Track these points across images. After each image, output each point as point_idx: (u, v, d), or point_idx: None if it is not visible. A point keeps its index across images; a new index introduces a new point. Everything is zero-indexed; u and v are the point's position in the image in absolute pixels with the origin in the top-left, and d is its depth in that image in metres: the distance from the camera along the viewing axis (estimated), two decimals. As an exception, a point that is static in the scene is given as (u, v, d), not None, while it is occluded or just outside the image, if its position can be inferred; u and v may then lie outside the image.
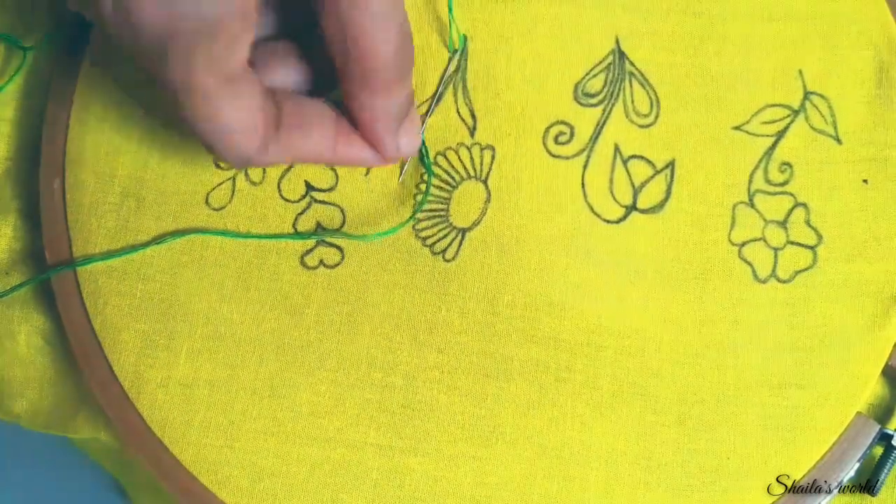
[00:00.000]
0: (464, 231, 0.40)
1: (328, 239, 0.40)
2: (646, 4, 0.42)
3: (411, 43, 0.34)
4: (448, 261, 0.40)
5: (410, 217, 0.40)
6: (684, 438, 0.38)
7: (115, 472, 0.51)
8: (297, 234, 0.40)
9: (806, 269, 0.40)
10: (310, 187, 0.41)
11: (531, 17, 0.41)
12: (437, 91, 0.41)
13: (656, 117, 0.41)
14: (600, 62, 0.41)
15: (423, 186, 0.40)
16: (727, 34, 0.42)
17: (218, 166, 0.41)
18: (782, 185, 0.40)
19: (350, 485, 0.38)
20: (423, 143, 0.40)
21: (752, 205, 0.40)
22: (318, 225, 0.40)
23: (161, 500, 0.48)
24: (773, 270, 0.40)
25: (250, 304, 0.39)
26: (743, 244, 0.40)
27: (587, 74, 0.41)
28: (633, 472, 0.38)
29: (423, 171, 0.40)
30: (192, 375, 0.39)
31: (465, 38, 0.41)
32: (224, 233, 0.40)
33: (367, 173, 0.41)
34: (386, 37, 0.33)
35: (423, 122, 0.40)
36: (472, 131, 0.41)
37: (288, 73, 0.36)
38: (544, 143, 0.41)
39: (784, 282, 0.40)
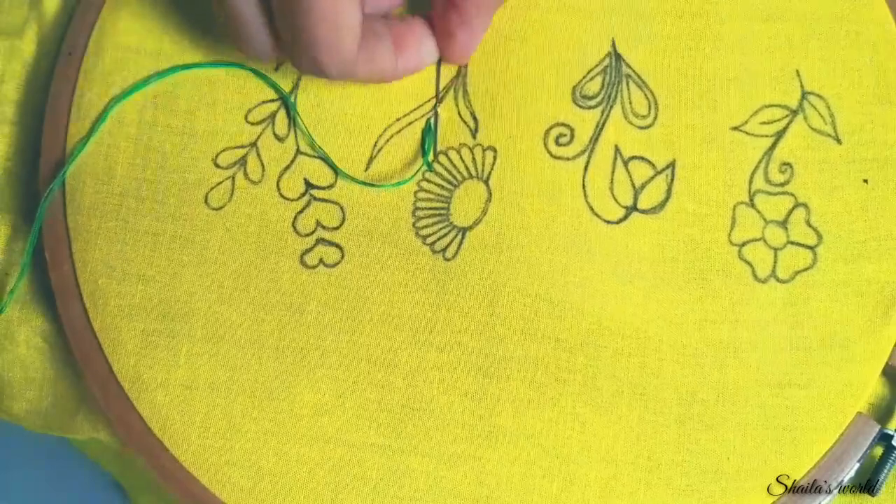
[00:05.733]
0: (464, 230, 0.40)
1: (327, 237, 0.40)
2: (641, 7, 0.42)
3: None
4: (448, 260, 0.40)
5: (417, 170, 0.40)
6: (684, 438, 0.38)
7: (115, 472, 0.51)
8: (298, 235, 0.40)
9: (806, 269, 0.40)
10: (309, 185, 0.41)
11: (528, 23, 0.41)
12: (438, 93, 0.41)
13: (655, 118, 0.41)
14: (597, 65, 0.41)
15: (423, 184, 0.40)
16: (723, 35, 0.42)
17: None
18: (783, 185, 0.40)
19: (350, 485, 0.38)
20: (436, 116, 0.40)
21: (752, 205, 0.40)
22: (318, 223, 0.40)
23: (161, 500, 0.48)
24: (773, 270, 0.40)
25: (250, 304, 0.39)
26: (743, 244, 0.40)
27: (584, 77, 0.41)
28: (633, 472, 0.38)
29: (425, 169, 0.40)
30: (192, 376, 0.39)
31: None
32: None
33: (368, 168, 0.41)
34: None
35: (432, 126, 0.41)
36: (474, 133, 0.41)
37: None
38: (545, 145, 0.41)
39: (784, 282, 0.40)
